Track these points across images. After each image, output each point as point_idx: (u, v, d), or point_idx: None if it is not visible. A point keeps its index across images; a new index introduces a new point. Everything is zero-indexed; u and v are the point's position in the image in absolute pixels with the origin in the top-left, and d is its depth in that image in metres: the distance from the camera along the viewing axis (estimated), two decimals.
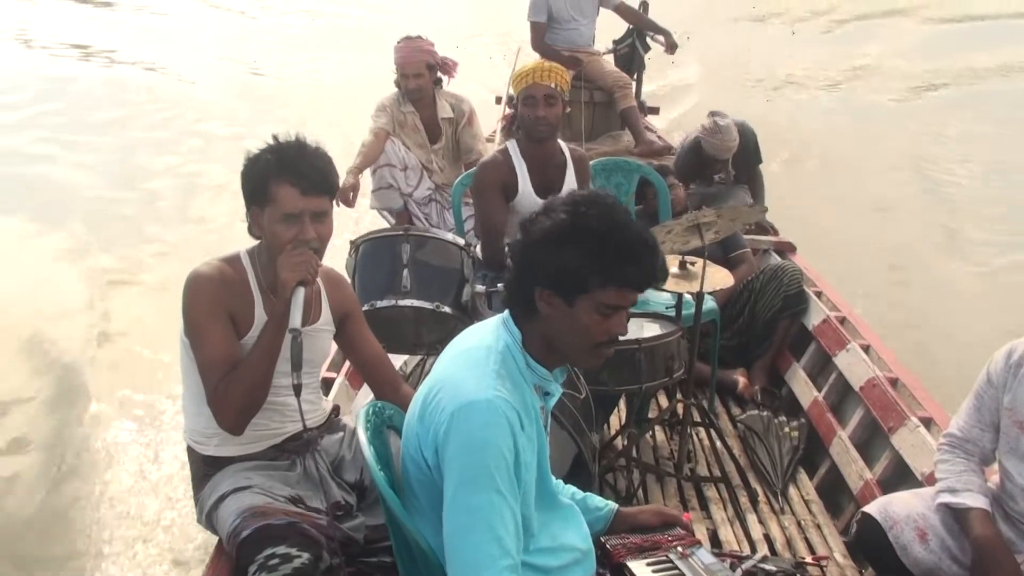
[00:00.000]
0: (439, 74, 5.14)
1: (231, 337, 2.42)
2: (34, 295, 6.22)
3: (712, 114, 5.40)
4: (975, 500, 2.62)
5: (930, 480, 2.97)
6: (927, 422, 3.49)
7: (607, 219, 1.92)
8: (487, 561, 1.82)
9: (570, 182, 4.01)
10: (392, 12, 18.45)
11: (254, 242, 2.53)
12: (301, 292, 2.34)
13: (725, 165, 5.42)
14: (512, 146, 4.01)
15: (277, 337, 2.37)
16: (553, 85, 3.79)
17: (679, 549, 2.28)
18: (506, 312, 2.09)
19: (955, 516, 2.66)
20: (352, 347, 2.76)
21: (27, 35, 14.88)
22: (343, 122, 8.54)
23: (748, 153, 5.56)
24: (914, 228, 8.38)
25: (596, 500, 2.39)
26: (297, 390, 2.30)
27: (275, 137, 2.42)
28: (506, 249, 3.46)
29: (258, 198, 2.40)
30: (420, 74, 5.00)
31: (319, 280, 2.51)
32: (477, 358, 1.98)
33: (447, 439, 1.87)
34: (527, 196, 3.95)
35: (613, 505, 2.39)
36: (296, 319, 2.30)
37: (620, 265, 1.92)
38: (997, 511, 2.68)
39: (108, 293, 6.50)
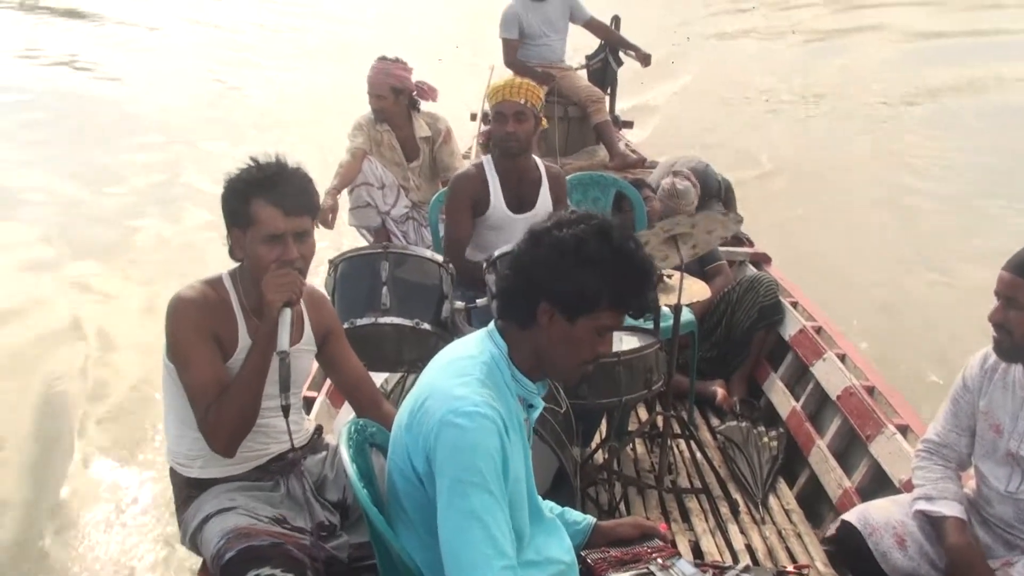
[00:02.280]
0: (415, 97, 5.16)
1: (218, 360, 2.42)
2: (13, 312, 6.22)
3: (674, 174, 5.05)
4: (950, 508, 2.66)
5: (908, 487, 3.00)
6: (904, 429, 3.53)
7: (628, 247, 1.95)
8: (483, 561, 1.84)
9: (544, 198, 4.04)
10: (379, 26, 18.66)
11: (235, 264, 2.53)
12: (288, 313, 2.34)
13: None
14: (487, 161, 4.05)
15: (265, 359, 2.38)
16: (523, 101, 3.82)
17: (659, 560, 2.29)
18: (491, 324, 2.11)
19: (932, 523, 2.69)
20: (333, 366, 2.76)
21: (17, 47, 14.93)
22: (322, 135, 8.55)
23: (709, 196, 5.50)
24: (886, 240, 8.46)
25: (574, 515, 2.40)
26: (286, 411, 2.31)
27: (254, 159, 2.42)
28: (484, 265, 3.48)
29: (239, 220, 2.40)
30: (382, 96, 5.00)
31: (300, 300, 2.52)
32: (462, 367, 2.00)
33: (437, 445, 1.89)
34: (499, 210, 3.99)
35: (591, 519, 2.41)
36: (284, 341, 2.30)
37: (632, 293, 1.97)
38: (974, 516, 2.72)
39: (87, 309, 6.46)
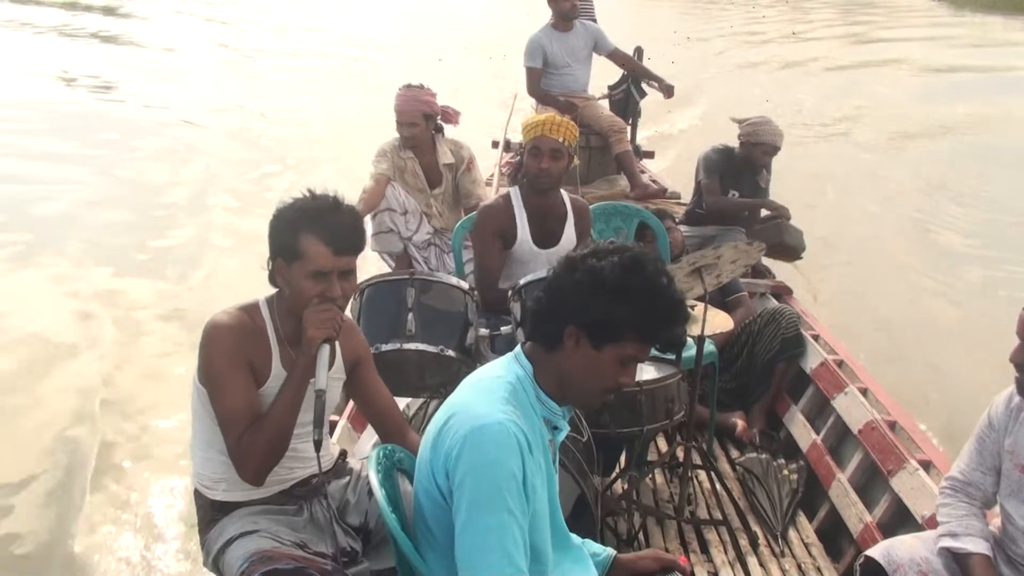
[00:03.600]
0: (439, 121, 5.19)
1: (251, 388, 2.42)
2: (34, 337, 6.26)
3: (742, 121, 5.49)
4: (976, 545, 2.64)
5: (931, 523, 2.99)
6: (926, 465, 3.52)
7: (659, 281, 1.98)
8: None
9: (569, 233, 4.05)
10: (400, 52, 18.94)
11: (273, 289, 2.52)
12: (326, 350, 2.35)
13: (767, 162, 5.52)
14: (515, 193, 4.04)
15: (299, 392, 2.38)
16: (561, 139, 3.82)
17: None
18: (518, 347, 2.14)
19: (957, 560, 2.68)
20: (362, 393, 2.75)
21: (37, 65, 15.26)
22: (346, 161, 8.59)
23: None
24: (908, 271, 8.44)
25: (594, 547, 2.40)
26: (317, 446, 2.33)
27: (311, 191, 2.40)
28: (510, 293, 3.50)
29: (286, 251, 2.38)
30: (415, 123, 5.01)
31: None
32: (488, 387, 2.04)
33: (459, 461, 1.92)
34: (525, 244, 4.00)
35: (611, 551, 2.40)
36: (322, 379, 2.31)
37: (661, 326, 1.99)
38: (999, 554, 2.70)
39: (111, 326, 6.49)
